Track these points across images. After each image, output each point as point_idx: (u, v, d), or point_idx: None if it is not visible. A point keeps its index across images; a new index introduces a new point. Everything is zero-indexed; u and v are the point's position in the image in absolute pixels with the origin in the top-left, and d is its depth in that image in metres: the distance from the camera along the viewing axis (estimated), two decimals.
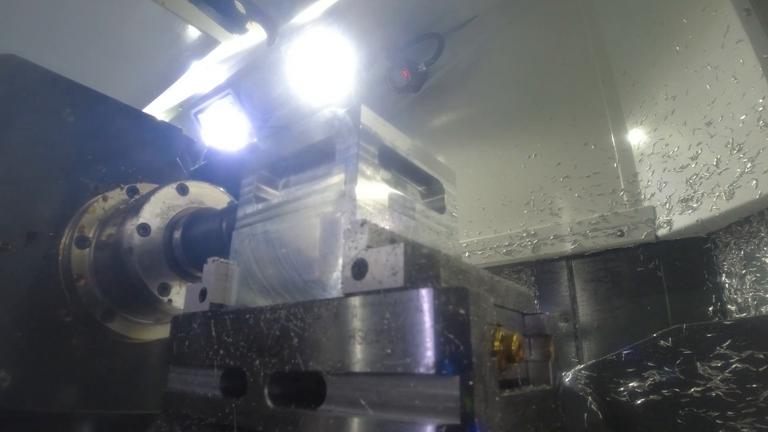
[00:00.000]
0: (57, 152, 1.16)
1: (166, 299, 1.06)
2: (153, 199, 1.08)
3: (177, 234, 1.06)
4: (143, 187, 1.26)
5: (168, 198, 1.11)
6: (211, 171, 1.40)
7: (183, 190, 1.14)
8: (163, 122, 1.47)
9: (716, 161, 1.54)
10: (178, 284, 1.08)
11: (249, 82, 2.57)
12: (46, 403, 1.01)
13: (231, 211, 0.94)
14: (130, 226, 1.05)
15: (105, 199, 1.20)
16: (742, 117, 1.46)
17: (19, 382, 0.99)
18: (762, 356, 1.09)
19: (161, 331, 1.21)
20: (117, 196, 1.22)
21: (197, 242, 1.03)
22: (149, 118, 1.44)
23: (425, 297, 0.40)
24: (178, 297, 1.08)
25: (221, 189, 1.22)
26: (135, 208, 1.08)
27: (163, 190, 1.11)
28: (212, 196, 1.19)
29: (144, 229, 1.05)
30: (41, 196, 1.11)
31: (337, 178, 0.58)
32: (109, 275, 1.10)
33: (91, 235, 1.14)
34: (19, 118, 1.11)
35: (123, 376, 1.15)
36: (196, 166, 1.45)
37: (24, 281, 1.04)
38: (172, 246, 1.06)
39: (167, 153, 1.41)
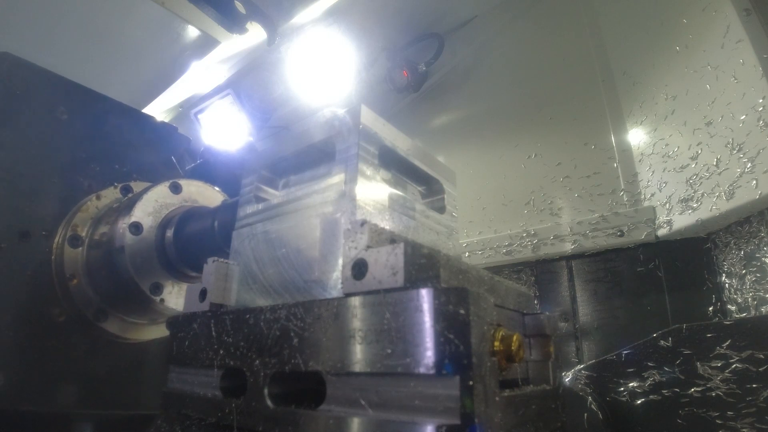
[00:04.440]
0: (51, 150, 1.15)
1: (158, 299, 1.04)
2: (145, 197, 1.07)
3: (169, 233, 1.05)
4: (137, 186, 1.24)
5: (161, 196, 1.10)
6: (208, 170, 1.39)
7: (176, 189, 1.13)
8: (158, 120, 1.46)
9: (716, 161, 1.54)
10: (170, 284, 1.07)
11: (249, 82, 2.56)
12: (40, 403, 1.01)
13: (223, 209, 0.94)
14: (122, 224, 1.04)
15: (98, 197, 1.18)
16: (742, 117, 1.46)
17: (13, 382, 0.98)
18: (762, 356, 1.09)
19: (156, 332, 1.19)
20: (111, 194, 1.21)
21: (189, 241, 1.02)
22: (144, 117, 1.43)
23: (425, 297, 0.40)
24: (171, 296, 1.06)
25: (216, 188, 1.20)
26: (127, 207, 1.07)
27: (156, 188, 1.10)
28: (206, 195, 1.18)
29: (136, 227, 1.03)
30: (34, 195, 1.09)
31: (337, 178, 0.58)
32: (102, 275, 1.09)
33: (84, 234, 1.13)
34: (13, 116, 1.10)
35: (118, 376, 1.14)
36: (192, 165, 1.44)
37: (17, 281, 1.03)
38: (165, 245, 1.05)
39: (163, 152, 1.39)
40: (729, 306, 1.56)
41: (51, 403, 1.03)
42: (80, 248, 1.12)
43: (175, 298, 1.07)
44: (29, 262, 1.06)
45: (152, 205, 1.08)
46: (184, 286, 1.09)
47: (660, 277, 1.74)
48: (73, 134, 1.20)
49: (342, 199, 0.57)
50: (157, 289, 1.04)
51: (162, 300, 1.05)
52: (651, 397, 1.22)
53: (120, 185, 1.23)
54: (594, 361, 1.46)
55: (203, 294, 0.63)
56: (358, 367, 0.43)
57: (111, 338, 1.13)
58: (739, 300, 1.52)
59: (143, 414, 1.13)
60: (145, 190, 1.10)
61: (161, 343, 1.20)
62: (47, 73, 1.19)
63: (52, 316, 1.07)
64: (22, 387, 0.99)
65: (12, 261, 1.03)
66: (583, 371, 1.38)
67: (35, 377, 1.02)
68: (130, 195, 1.21)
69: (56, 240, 1.11)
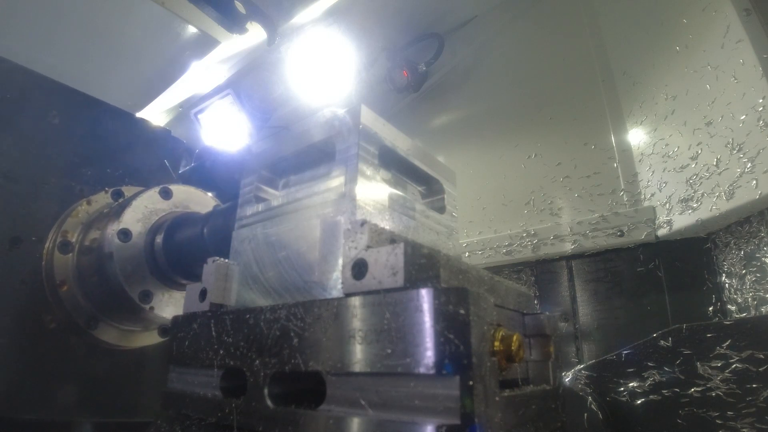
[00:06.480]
0: (42, 155, 1.13)
1: (147, 307, 1.02)
2: (135, 203, 1.05)
3: (159, 239, 1.03)
4: (128, 190, 1.23)
5: (151, 202, 1.08)
6: (202, 172, 1.38)
7: (166, 194, 1.11)
8: (151, 124, 1.44)
9: (716, 161, 1.54)
10: (161, 292, 1.05)
11: (249, 82, 2.56)
12: (36, 410, 1.00)
13: (213, 216, 0.92)
14: (111, 231, 1.02)
15: (89, 202, 1.17)
16: (742, 117, 1.46)
17: (3, 389, 0.97)
18: (762, 356, 1.09)
19: (149, 338, 1.18)
20: (101, 199, 1.19)
21: (179, 248, 1.00)
22: (137, 120, 1.42)
23: (425, 297, 0.40)
24: (161, 305, 1.04)
25: (209, 193, 1.18)
26: (117, 213, 1.06)
27: (146, 194, 1.08)
28: (197, 200, 1.16)
29: (125, 234, 1.02)
30: (26, 200, 1.08)
31: (337, 179, 0.58)
32: (92, 281, 1.07)
33: (74, 239, 1.12)
34: (5, 121, 1.09)
35: (109, 383, 1.12)
36: (185, 169, 1.43)
37: (8, 287, 1.02)
38: (154, 252, 1.03)
39: (156, 155, 1.38)
40: (729, 306, 1.56)
41: (46, 410, 1.01)
42: (70, 254, 1.11)
43: (165, 306, 1.05)
44: (20, 268, 1.04)
45: (142, 211, 1.06)
46: (175, 294, 1.07)
47: (660, 277, 1.74)
48: (66, 138, 1.18)
49: (342, 199, 0.57)
50: (147, 297, 1.02)
51: (152, 308, 1.03)
52: (651, 397, 1.22)
53: (111, 190, 1.21)
54: (594, 361, 1.46)
55: (203, 294, 0.63)
56: (358, 367, 0.43)
57: (104, 345, 1.11)
58: (739, 300, 1.52)
59: (140, 422, 1.12)
60: (135, 196, 1.08)
61: (156, 350, 1.19)
62: (39, 76, 1.18)
63: (43, 322, 1.05)
64: (13, 394, 0.98)
65: (3, 267, 1.02)
66: (583, 371, 1.38)
67: (26, 384, 1.00)
68: (121, 200, 1.19)
69: (47, 245, 1.09)
